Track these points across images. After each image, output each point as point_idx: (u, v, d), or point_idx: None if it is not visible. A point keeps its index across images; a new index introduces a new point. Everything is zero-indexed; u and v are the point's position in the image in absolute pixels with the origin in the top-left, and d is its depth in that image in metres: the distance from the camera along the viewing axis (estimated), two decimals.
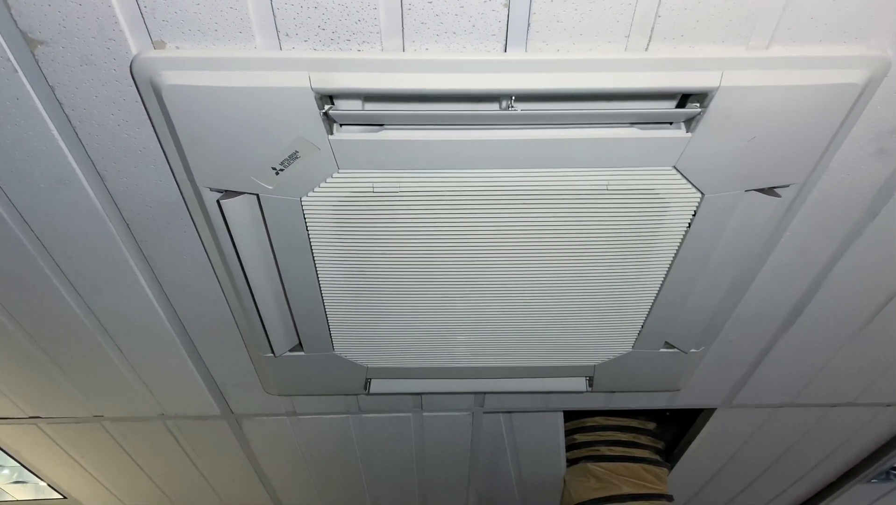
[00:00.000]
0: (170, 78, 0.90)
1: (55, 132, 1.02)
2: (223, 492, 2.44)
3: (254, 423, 1.96)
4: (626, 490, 2.17)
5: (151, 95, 0.94)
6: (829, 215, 1.22)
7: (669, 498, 2.18)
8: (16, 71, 0.93)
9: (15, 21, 0.86)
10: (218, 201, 1.09)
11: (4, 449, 2.06)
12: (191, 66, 0.90)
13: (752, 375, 1.77)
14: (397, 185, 1.07)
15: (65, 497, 2.41)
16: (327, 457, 2.18)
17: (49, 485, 2.32)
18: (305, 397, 1.84)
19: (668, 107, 1.01)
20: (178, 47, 0.90)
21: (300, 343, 1.49)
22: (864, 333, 1.58)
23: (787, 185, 1.10)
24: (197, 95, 0.92)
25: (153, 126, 1.01)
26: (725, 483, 2.53)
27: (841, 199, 1.19)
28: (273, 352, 1.51)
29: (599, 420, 2.27)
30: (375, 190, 1.07)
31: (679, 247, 1.21)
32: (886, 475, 2.51)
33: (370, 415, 1.95)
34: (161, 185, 1.12)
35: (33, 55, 0.91)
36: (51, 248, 1.25)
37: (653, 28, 0.90)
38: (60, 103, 0.98)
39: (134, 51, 0.90)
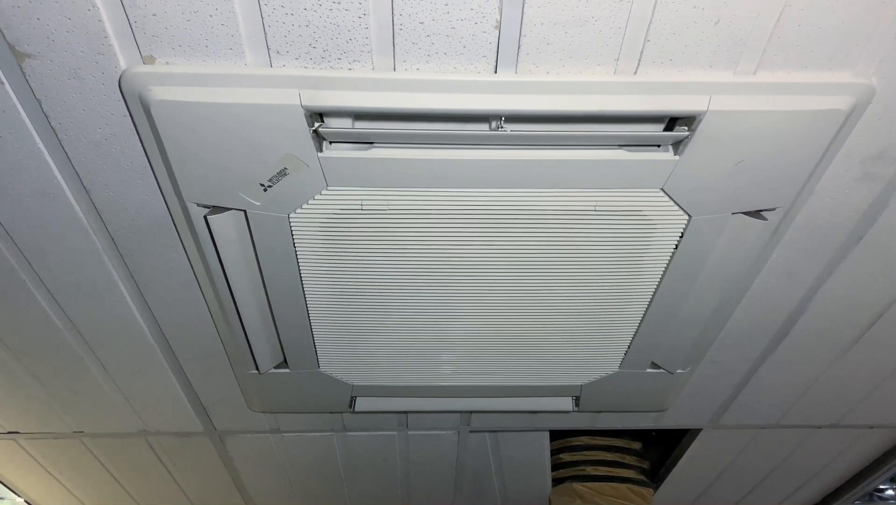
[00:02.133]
0: (159, 93, 0.90)
1: (41, 145, 1.01)
2: None
3: (237, 440, 1.94)
4: None
5: (140, 110, 0.93)
6: (814, 239, 1.23)
7: None
8: (2, 83, 0.92)
9: (2, 33, 0.86)
10: (205, 217, 1.09)
11: None
12: (180, 82, 0.90)
13: (738, 396, 1.77)
14: (386, 203, 1.06)
15: None
16: (311, 475, 2.15)
17: (26, 501, 2.27)
18: (290, 415, 1.82)
19: (656, 130, 1.01)
20: (167, 63, 0.90)
21: (285, 360, 1.48)
22: (848, 356, 1.59)
23: (774, 209, 1.11)
24: (186, 111, 0.91)
25: (141, 141, 1.00)
26: (710, 504, 2.53)
27: (826, 223, 1.20)
28: (257, 369, 1.50)
29: (585, 440, 2.27)
30: (364, 207, 1.07)
31: (666, 268, 1.22)
32: (870, 497, 2.51)
33: (355, 433, 1.93)
34: (147, 199, 1.11)
35: (20, 68, 0.90)
36: (33, 260, 1.23)
37: (642, 52, 0.91)
38: (47, 116, 0.97)
39: (123, 65, 0.90)
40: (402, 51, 0.89)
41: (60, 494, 2.22)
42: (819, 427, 1.97)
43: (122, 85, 0.91)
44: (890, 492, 2.50)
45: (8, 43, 0.87)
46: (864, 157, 1.07)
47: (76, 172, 1.06)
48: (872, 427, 1.98)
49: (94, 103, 0.95)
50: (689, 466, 2.22)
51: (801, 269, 1.31)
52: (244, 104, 0.90)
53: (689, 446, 2.08)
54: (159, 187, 1.08)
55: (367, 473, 2.16)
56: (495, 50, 0.90)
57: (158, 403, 1.70)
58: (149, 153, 1.01)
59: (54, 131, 0.99)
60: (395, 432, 1.94)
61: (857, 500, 2.50)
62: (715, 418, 1.90)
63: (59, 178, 1.07)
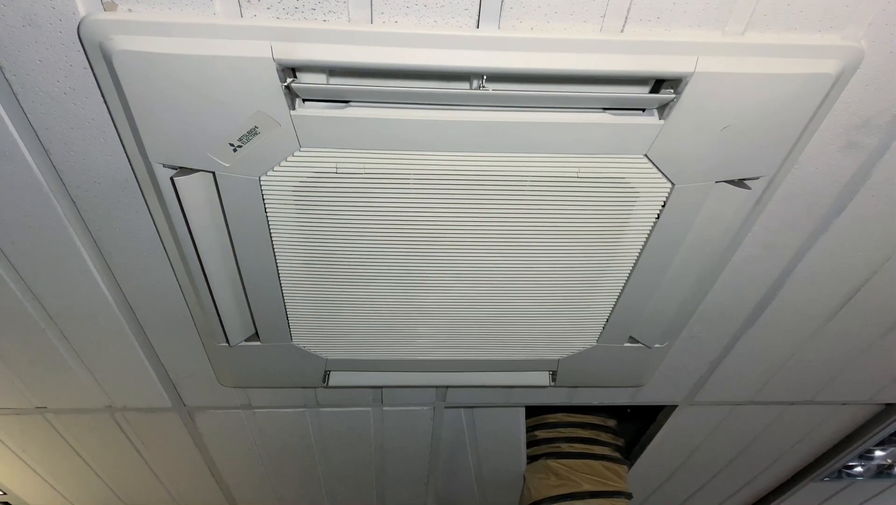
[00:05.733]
0: (121, 43, 0.85)
1: None
2: (174, 487, 2.37)
3: (207, 416, 1.89)
4: (586, 487, 2.16)
5: (101, 61, 0.88)
6: (796, 209, 1.22)
7: (628, 495, 2.18)
8: None
9: None
10: (172, 179, 1.04)
11: None
12: (144, 31, 0.84)
13: (714, 372, 1.77)
14: (362, 165, 1.03)
15: (5, 493, 2.31)
16: (283, 452, 2.12)
17: None
18: (261, 390, 1.78)
19: (641, 92, 0.99)
20: (130, 10, 0.85)
21: (256, 333, 1.44)
22: (825, 331, 1.59)
23: (758, 178, 1.09)
24: (150, 63, 0.86)
25: (103, 96, 0.95)
26: (684, 480, 2.55)
27: (808, 194, 1.19)
28: (228, 342, 1.45)
29: (561, 417, 2.26)
30: (339, 170, 1.03)
31: (647, 238, 1.20)
32: (838, 474, 2.56)
33: (328, 409, 1.90)
34: (111, 160, 1.06)
35: None
36: None
37: (629, 9, 0.87)
38: (1, 67, 0.91)
39: (82, 12, 0.84)
40: (379, 2, 0.85)
41: (24, 472, 2.16)
42: (793, 403, 1.98)
43: (82, 33, 0.85)
44: (858, 469, 2.54)
45: None
46: (850, 124, 1.06)
47: (34, 130, 1.01)
48: (845, 404, 2.00)
49: (51, 53, 0.90)
50: (663, 443, 2.22)
51: (782, 240, 1.30)
52: (212, 56, 0.86)
53: (664, 423, 2.09)
54: (123, 147, 1.03)
55: (340, 450, 2.13)
56: (478, 3, 0.86)
57: (125, 377, 1.65)
58: (111, 109, 0.96)
59: (9, 84, 0.93)
60: (369, 408, 1.91)
61: (826, 476, 2.54)
62: (691, 395, 1.90)
63: (16, 135, 1.01)
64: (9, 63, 0.91)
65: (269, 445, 2.07)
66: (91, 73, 0.92)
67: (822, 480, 2.56)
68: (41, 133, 1.01)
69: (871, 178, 1.16)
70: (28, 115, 0.98)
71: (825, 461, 2.42)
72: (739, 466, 2.45)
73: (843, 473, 2.58)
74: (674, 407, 1.99)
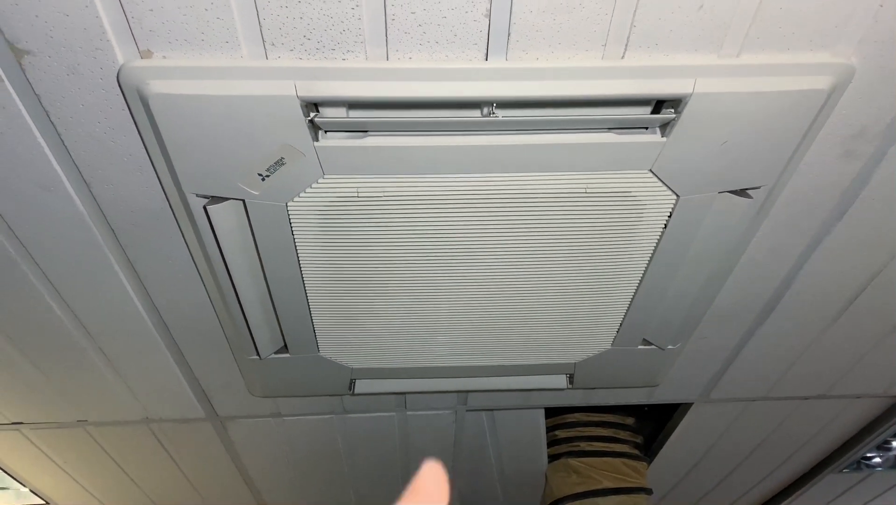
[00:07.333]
0: (157, 87, 0.91)
1: (41, 140, 1.03)
2: (208, 494, 2.44)
3: (238, 425, 1.97)
4: (606, 484, 2.21)
5: (138, 104, 0.95)
6: (798, 215, 1.27)
7: (648, 491, 2.23)
8: (2, 80, 0.94)
9: (2, 31, 0.87)
10: (204, 207, 1.11)
11: None
12: (178, 75, 0.91)
13: (727, 370, 1.81)
14: (381, 190, 1.09)
15: (47, 503, 2.40)
16: (312, 457, 2.19)
17: (31, 491, 2.30)
18: (290, 399, 1.85)
19: (643, 112, 1.04)
20: (164, 56, 0.91)
21: (285, 345, 1.51)
22: (834, 328, 1.63)
23: (758, 187, 1.14)
24: (184, 104, 0.93)
25: (140, 134, 1.02)
26: (703, 476, 2.59)
27: (810, 200, 1.23)
28: (258, 354, 1.53)
29: (580, 416, 2.31)
30: (360, 195, 1.09)
31: (655, 247, 1.25)
32: (857, 465, 2.58)
33: (354, 415, 1.96)
34: (147, 191, 1.13)
35: (20, 65, 0.92)
36: (35, 253, 1.25)
37: (628, 37, 0.93)
38: (47, 112, 0.98)
39: (121, 60, 0.91)
40: (394, 40, 0.91)
41: (66, 483, 2.25)
42: (807, 398, 2.01)
43: (121, 79, 0.93)
44: (877, 460, 2.57)
45: (7, 41, 0.88)
46: (846, 135, 1.10)
47: (76, 166, 1.08)
48: (859, 397, 2.03)
49: (92, 98, 0.97)
50: (681, 440, 2.26)
51: (787, 244, 1.34)
52: (241, 96, 0.92)
53: (680, 420, 2.13)
54: (159, 179, 1.10)
55: (366, 454, 2.19)
56: (486, 38, 0.92)
57: (160, 390, 1.73)
58: (148, 146, 1.03)
59: (54, 126, 1.01)
60: (393, 413, 1.97)
61: (845, 468, 2.57)
62: (705, 392, 1.94)
63: (60, 172, 1.09)
64: (54, 108, 0.98)
65: (299, 450, 2.14)
66: (129, 114, 0.99)
67: (841, 471, 2.58)
68: (83, 169, 1.09)
69: (870, 183, 1.20)
70: (71, 153, 1.05)
71: (844, 452, 2.45)
72: (758, 461, 2.49)
73: (863, 463, 2.60)
74: (689, 405, 2.04)
